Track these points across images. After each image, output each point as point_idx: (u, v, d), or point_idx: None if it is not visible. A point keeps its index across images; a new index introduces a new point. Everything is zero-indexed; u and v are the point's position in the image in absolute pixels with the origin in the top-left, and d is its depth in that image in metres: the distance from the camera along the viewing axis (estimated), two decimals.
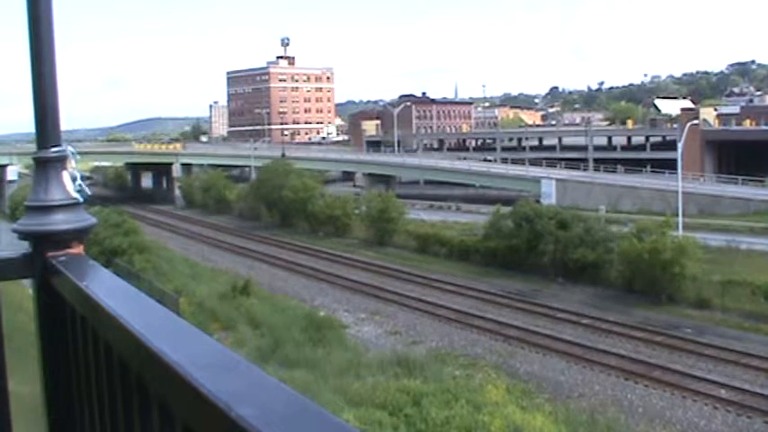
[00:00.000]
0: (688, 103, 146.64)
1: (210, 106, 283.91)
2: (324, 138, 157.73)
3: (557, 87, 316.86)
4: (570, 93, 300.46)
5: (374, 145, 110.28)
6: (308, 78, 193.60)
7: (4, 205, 74.37)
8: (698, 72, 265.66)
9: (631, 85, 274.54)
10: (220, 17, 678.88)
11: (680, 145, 46.89)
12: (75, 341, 1.94)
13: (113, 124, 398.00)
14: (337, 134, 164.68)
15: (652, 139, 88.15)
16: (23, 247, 2.22)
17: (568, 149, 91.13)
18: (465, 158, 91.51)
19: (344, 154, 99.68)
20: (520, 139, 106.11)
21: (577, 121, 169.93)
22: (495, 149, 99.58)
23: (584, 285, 36.24)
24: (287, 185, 58.91)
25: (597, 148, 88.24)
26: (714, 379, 23.80)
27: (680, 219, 41.90)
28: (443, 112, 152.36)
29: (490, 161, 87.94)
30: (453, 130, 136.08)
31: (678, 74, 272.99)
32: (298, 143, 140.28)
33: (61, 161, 2.30)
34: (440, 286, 37.70)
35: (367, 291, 37.54)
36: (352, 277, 40.51)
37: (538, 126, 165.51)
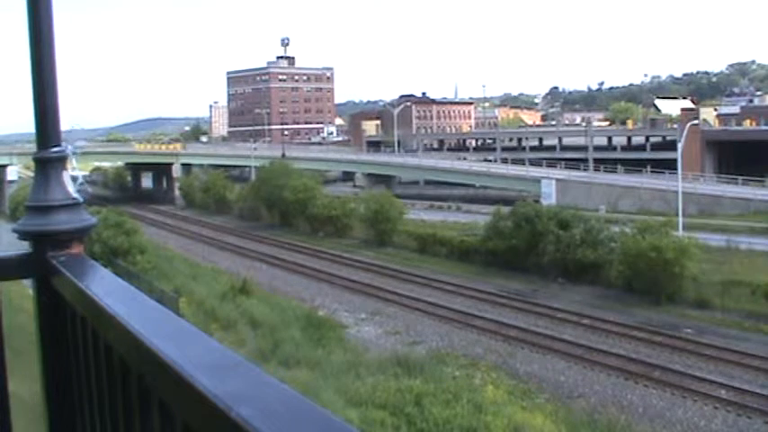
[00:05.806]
0: (688, 103, 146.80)
1: (210, 106, 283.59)
2: (324, 138, 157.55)
3: (557, 87, 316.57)
4: (570, 93, 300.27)
5: (374, 145, 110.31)
6: (308, 78, 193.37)
7: (5, 205, 74.30)
8: (698, 72, 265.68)
9: (631, 85, 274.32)
10: (220, 17, 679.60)
11: (680, 145, 46.97)
12: (75, 341, 1.94)
13: (113, 124, 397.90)
14: (337, 134, 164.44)
15: (652, 140, 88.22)
16: (23, 247, 2.22)
17: (568, 149, 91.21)
18: (465, 158, 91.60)
19: (344, 154, 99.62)
20: (520, 140, 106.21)
21: (577, 121, 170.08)
22: (495, 149, 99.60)
23: (584, 285, 36.20)
24: (287, 186, 58.88)
25: (597, 149, 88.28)
26: (714, 379, 23.76)
27: (680, 219, 41.92)
28: (443, 112, 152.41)
29: (490, 161, 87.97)
30: (453, 130, 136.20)
31: (678, 74, 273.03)
32: (298, 143, 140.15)
33: (61, 161, 2.30)
34: (440, 286, 37.64)
35: (367, 291, 37.50)
36: (353, 277, 40.47)
37: (538, 126, 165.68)
